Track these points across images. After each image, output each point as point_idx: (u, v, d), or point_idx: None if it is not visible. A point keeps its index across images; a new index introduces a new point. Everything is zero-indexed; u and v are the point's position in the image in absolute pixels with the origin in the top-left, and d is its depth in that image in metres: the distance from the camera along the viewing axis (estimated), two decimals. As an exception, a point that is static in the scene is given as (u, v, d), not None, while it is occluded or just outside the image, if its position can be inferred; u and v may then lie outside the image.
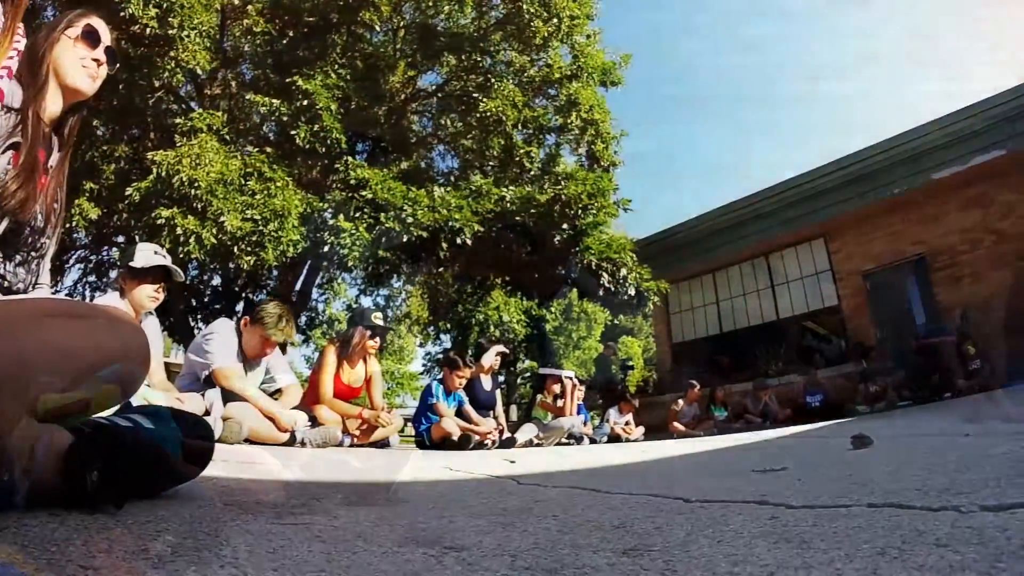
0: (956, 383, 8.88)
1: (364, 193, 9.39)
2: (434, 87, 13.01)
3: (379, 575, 0.97)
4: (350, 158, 9.98)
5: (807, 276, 12.27)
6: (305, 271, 12.20)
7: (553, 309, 14.17)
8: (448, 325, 14.58)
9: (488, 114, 10.96)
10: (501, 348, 7.55)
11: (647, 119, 61.91)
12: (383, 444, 5.33)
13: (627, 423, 9.29)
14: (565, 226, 9.96)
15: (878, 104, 69.36)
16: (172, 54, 9.16)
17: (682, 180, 66.71)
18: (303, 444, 4.21)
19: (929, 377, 9.33)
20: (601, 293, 10.42)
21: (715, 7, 59.63)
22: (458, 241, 9.27)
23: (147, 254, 3.56)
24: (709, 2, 58.64)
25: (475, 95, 11.49)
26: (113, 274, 10.78)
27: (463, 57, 11.70)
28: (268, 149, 10.16)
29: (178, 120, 9.57)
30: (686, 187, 64.64)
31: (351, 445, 4.95)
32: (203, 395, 3.89)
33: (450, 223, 9.19)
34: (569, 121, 11.69)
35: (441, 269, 11.59)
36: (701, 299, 13.44)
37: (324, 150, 9.64)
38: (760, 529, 1.22)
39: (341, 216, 9.35)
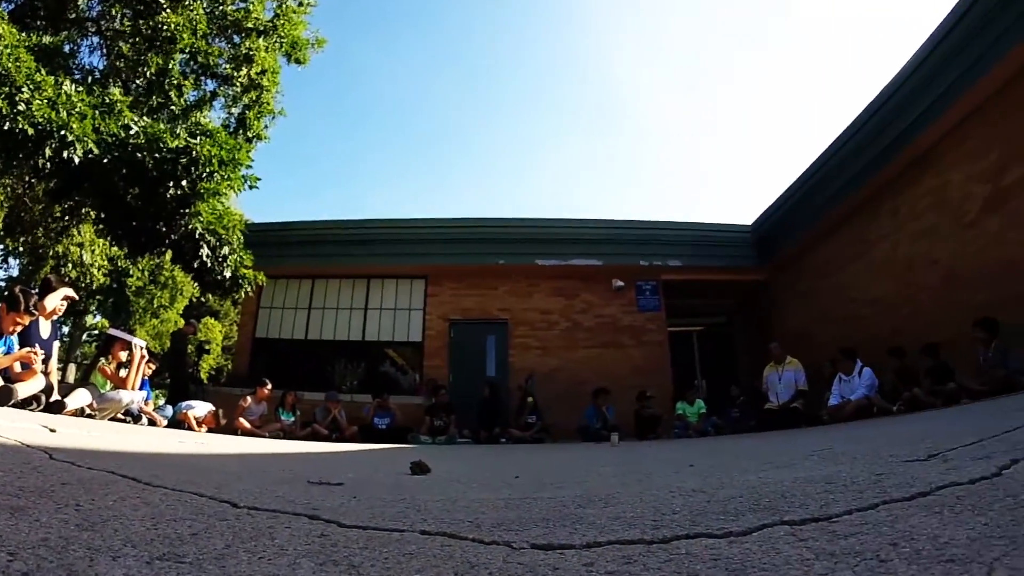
0: (513, 432, 10.19)
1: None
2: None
3: None
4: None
5: (401, 308, 12.90)
6: None
7: (142, 266, 12.41)
8: (21, 249, 12.42)
9: (163, 26, 9.55)
10: (70, 292, 6.33)
11: (325, 110, 60.11)
12: None
13: (193, 410, 8.49)
14: (185, 183, 8.75)
15: (515, 185, 77.90)
16: None
17: (327, 183, 65.98)
18: None
19: (493, 421, 10.48)
20: (196, 265, 9.42)
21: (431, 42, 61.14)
22: (65, 154, 7.57)
23: None
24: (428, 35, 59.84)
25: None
26: None
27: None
28: None
29: None
30: (328, 191, 64.01)
31: None
32: None
33: (63, 131, 7.49)
34: (238, 75, 10.69)
35: (34, 180, 9.60)
36: (295, 301, 13.07)
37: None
38: (307, 547, 1.15)
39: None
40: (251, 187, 9.48)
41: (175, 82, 10.32)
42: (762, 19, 55.49)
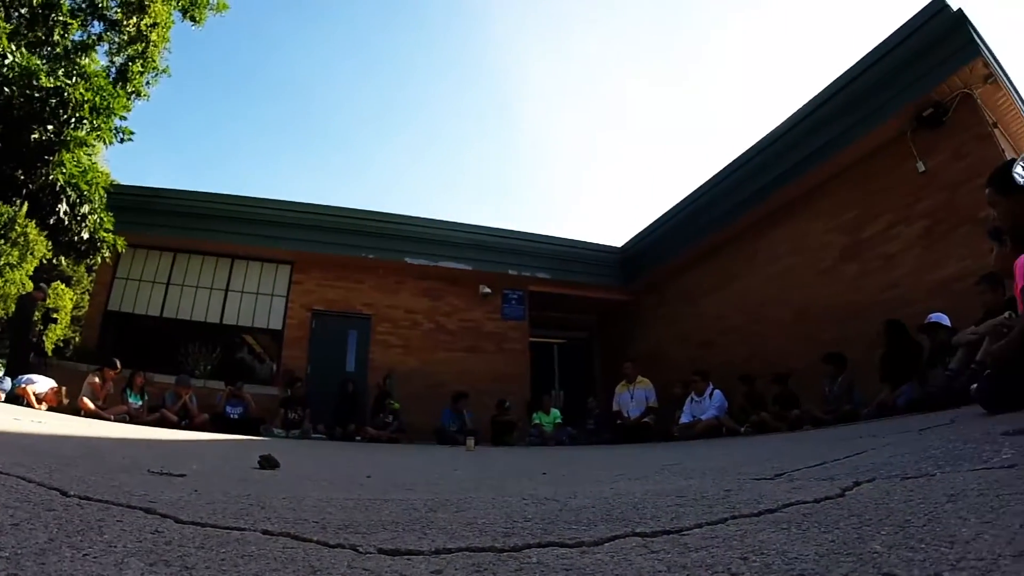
0: (369, 431, 9.96)
1: None
2: None
3: None
4: None
5: (263, 293, 12.27)
6: None
7: (-8, 218, 11.06)
8: None
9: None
10: None
11: (220, 81, 56.51)
12: None
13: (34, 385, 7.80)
14: (51, 127, 7.87)
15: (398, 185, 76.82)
16: None
17: (209, 156, 62.11)
18: None
19: (349, 418, 10.20)
20: (53, 222, 8.47)
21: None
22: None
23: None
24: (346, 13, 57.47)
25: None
26: None
27: None
28: None
29: None
30: (209, 164, 60.29)
31: None
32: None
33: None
34: (128, 23, 9.80)
35: None
36: (153, 275, 12.00)
37: None
38: (139, 545, 1.08)
39: None
40: (123, 140, 8.72)
41: (62, 19, 9.29)
42: (660, 55, 58.10)
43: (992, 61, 7.34)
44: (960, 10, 7.37)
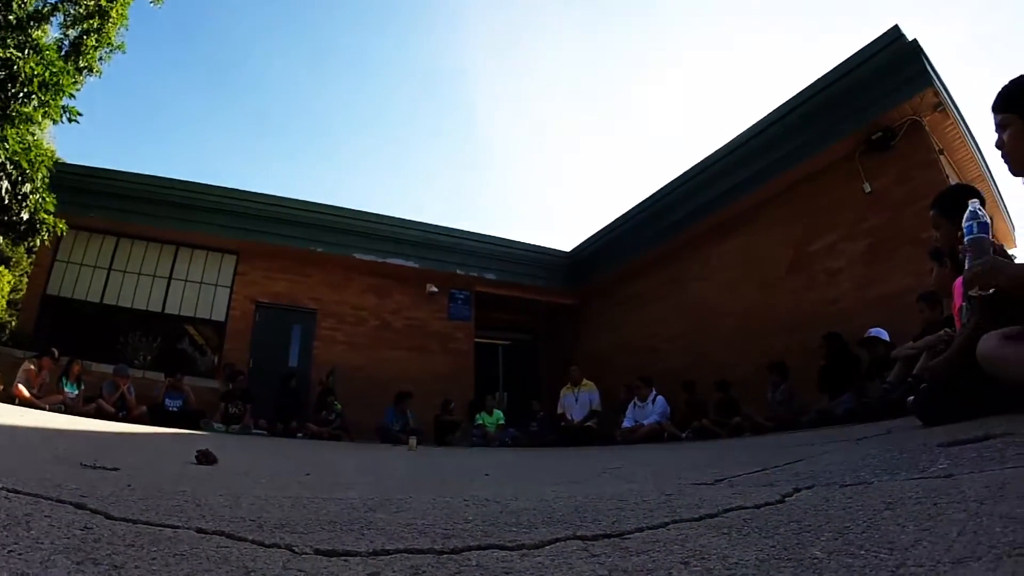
0: (311, 427, 9.81)
1: None
2: None
3: None
4: None
5: (207, 283, 11.94)
6: None
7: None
8: None
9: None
10: None
11: (184, 64, 54.66)
12: None
13: None
14: None
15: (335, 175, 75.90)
16: None
17: (162, 137, 59.79)
18: None
19: (291, 414, 10.03)
20: None
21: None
22: None
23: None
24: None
25: None
26: None
27: None
28: None
29: None
30: (166, 145, 58.10)
31: None
32: None
33: None
34: None
35: None
36: (95, 259, 11.52)
37: None
38: (67, 542, 1.04)
39: None
40: (71, 120, 8.38)
41: (20, -11, 8.86)
42: (609, 70, 58.73)
43: (942, 91, 7.66)
44: (915, 40, 7.68)
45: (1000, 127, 2.43)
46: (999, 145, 2.46)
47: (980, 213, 2.13)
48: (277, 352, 11.81)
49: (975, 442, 1.77)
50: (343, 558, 1.03)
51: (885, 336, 6.91)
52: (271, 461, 4.28)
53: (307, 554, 1.05)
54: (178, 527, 1.22)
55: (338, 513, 1.54)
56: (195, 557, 0.99)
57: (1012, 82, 2.40)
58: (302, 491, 2.13)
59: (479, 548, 1.09)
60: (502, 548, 1.09)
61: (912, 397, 3.83)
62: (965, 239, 2.13)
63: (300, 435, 9.77)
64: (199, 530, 1.20)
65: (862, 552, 0.85)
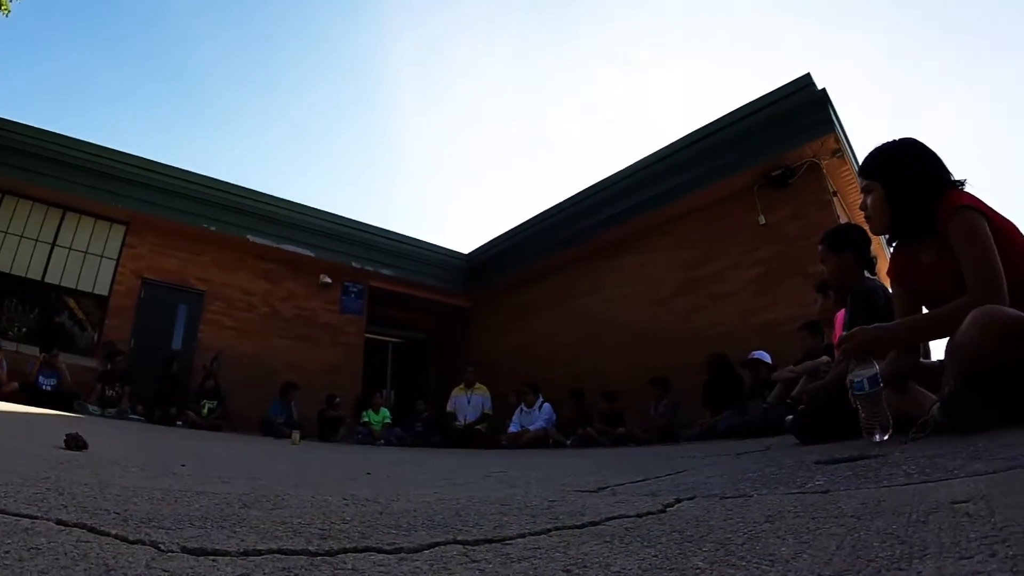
0: (191, 415, 9.41)
1: None
2: None
3: None
4: None
5: (93, 253, 11.01)
6: None
7: None
8: None
9: None
10: None
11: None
12: None
13: None
14: None
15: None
16: None
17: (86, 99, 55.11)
18: None
19: (171, 400, 9.56)
20: None
21: None
22: None
23: None
24: None
25: None
26: None
27: None
28: None
29: None
30: (68, 101, 53.51)
31: None
32: None
33: None
34: None
35: None
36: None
37: None
38: None
39: None
40: None
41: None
42: (530, 86, 59.36)
43: (843, 138, 8.23)
44: (824, 90, 8.22)
45: (865, 191, 2.64)
46: (863, 207, 2.67)
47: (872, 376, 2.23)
48: (161, 333, 11.15)
49: (850, 461, 1.84)
50: (211, 558, 0.96)
51: (767, 359, 7.26)
52: (145, 449, 4.10)
53: (174, 552, 0.98)
54: (37, 517, 1.13)
55: (210, 508, 1.46)
56: (52, 552, 0.91)
57: (875, 151, 2.62)
58: (175, 483, 2.03)
59: (355, 551, 1.05)
60: (379, 551, 1.04)
61: (791, 417, 4.03)
62: (855, 394, 2.23)
63: (180, 423, 9.31)
64: (59, 521, 1.12)
65: (743, 564, 0.85)
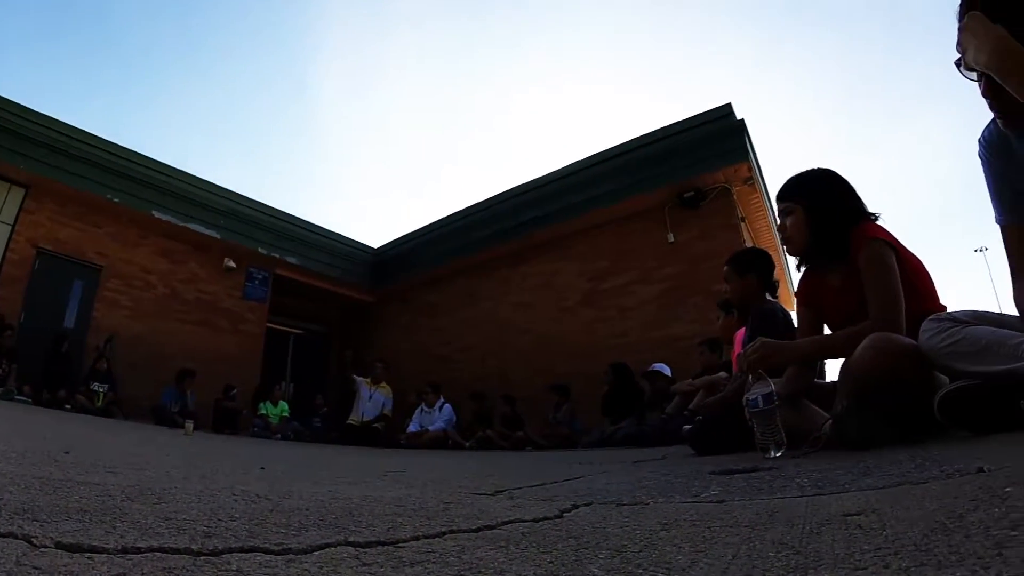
0: (80, 399, 9.03)
1: None
2: None
3: None
4: None
5: None
6: None
7: None
8: None
9: None
10: None
11: None
12: None
13: None
14: None
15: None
16: None
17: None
18: None
19: (61, 382, 9.10)
20: None
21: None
22: None
23: None
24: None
25: None
26: None
27: None
28: None
29: None
30: None
31: None
32: None
33: None
34: None
35: None
36: None
37: None
38: None
39: None
40: None
41: None
42: (460, 89, 59.33)
43: (756, 168, 8.61)
44: (742, 120, 8.56)
45: (784, 213, 2.77)
46: (781, 229, 2.80)
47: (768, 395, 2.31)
48: (53, 309, 10.38)
49: (744, 472, 1.88)
50: (87, 555, 0.89)
51: (667, 371, 7.48)
52: (28, 433, 3.88)
53: (47, 547, 0.91)
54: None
55: (91, 500, 1.37)
56: (-90, 547, 0.83)
57: (797, 175, 2.75)
58: (56, 471, 1.91)
59: (241, 551, 0.99)
60: (266, 552, 0.99)
61: (688, 427, 4.16)
62: (751, 411, 2.31)
63: (68, 407, 8.77)
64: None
65: (640, 571, 0.84)
